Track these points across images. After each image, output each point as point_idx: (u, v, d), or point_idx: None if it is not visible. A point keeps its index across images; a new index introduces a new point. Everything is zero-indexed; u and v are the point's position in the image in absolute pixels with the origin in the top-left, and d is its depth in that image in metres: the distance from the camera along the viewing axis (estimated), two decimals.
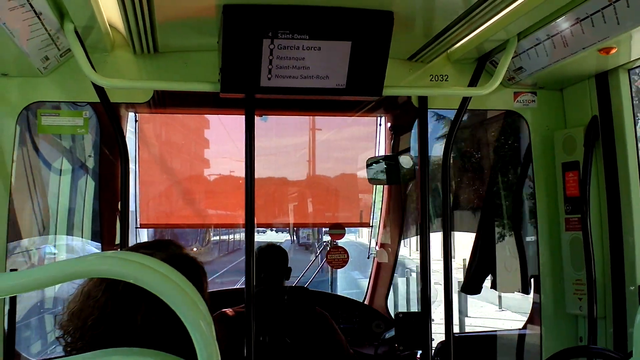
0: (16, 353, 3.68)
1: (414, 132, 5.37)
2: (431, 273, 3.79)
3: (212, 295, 5.31)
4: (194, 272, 1.84)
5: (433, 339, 3.86)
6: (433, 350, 3.87)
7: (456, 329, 3.91)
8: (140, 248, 1.89)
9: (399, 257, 6.15)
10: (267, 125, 5.46)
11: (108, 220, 4.67)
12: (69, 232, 5.33)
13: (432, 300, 3.80)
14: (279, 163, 6.10)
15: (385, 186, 6.04)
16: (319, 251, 8.09)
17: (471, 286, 4.58)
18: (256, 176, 3.54)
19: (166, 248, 1.86)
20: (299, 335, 4.15)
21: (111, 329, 1.65)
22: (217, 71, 3.27)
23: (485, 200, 4.85)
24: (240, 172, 3.69)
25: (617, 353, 2.87)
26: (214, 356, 1.19)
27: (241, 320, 3.58)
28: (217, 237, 29.04)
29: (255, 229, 3.52)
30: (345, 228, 5.67)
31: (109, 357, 1.34)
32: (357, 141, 6.16)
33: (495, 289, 4.76)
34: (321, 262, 6.56)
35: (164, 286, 1.17)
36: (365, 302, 5.95)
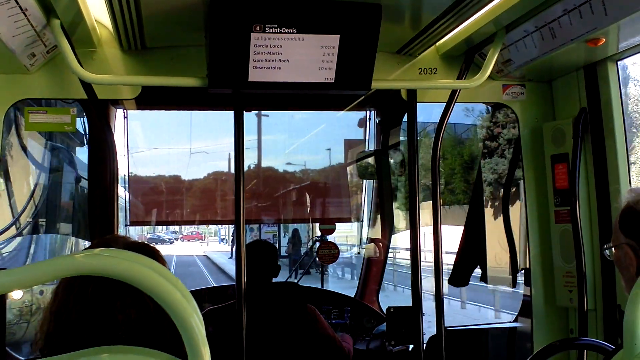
0: (7, 352, 3.66)
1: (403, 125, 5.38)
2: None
3: (198, 293, 5.31)
4: (152, 257, 1.81)
5: (424, 334, 3.86)
6: (424, 345, 3.86)
7: None
8: (95, 247, 1.85)
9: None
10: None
11: (97, 217, 4.63)
12: (58, 230, 5.30)
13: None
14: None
15: (375, 181, 6.04)
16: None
17: (459, 278, 4.58)
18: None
19: (115, 242, 1.84)
20: (288, 333, 4.13)
21: (95, 335, 1.62)
22: (205, 67, 3.25)
23: (474, 193, 4.86)
24: (230, 168, 3.67)
25: (608, 344, 2.87)
26: (204, 354, 1.17)
27: (229, 317, 3.55)
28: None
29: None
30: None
31: (98, 356, 1.32)
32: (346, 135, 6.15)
33: (485, 282, 4.76)
34: None
35: (155, 284, 1.15)
36: (356, 298, 5.95)
